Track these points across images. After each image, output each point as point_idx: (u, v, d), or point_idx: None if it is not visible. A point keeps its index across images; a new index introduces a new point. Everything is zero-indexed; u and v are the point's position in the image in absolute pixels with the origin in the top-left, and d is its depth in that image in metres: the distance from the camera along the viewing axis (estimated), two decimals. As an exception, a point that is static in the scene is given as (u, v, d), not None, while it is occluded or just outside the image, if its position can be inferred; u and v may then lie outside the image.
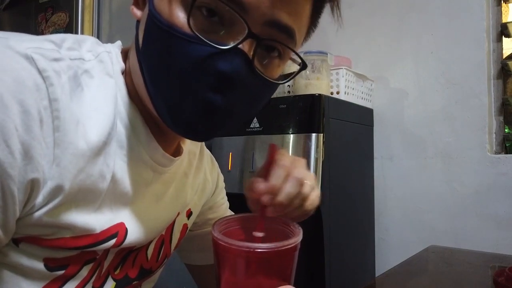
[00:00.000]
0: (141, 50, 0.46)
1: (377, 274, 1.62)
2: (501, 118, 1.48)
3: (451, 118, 1.51)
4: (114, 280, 0.53)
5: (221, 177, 0.76)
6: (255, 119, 1.40)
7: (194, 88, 0.43)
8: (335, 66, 1.46)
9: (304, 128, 1.29)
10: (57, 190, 0.41)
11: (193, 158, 0.65)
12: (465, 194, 1.47)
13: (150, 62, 0.45)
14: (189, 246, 0.74)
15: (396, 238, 1.62)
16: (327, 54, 1.41)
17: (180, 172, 0.61)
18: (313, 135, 1.27)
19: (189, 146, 0.63)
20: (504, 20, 1.51)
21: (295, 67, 0.50)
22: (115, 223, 0.48)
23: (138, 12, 0.49)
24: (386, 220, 1.64)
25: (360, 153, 1.60)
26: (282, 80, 0.49)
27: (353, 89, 1.53)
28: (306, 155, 1.26)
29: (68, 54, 0.44)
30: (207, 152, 0.72)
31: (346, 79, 1.47)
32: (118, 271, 0.54)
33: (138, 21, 0.48)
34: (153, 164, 0.52)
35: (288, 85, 1.59)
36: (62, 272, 0.46)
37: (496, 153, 1.46)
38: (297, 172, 0.50)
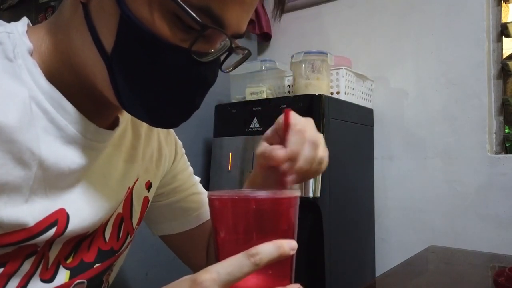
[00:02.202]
0: (115, 51, 0.44)
1: (377, 274, 1.62)
2: (501, 118, 1.48)
3: (451, 118, 1.51)
4: (67, 269, 0.51)
5: (179, 143, 0.74)
6: (255, 119, 1.40)
7: (179, 94, 0.46)
8: (335, 66, 1.46)
9: (304, 128, 1.29)
10: None
11: (140, 127, 0.63)
12: (465, 194, 1.47)
13: (130, 67, 0.44)
14: (159, 217, 0.73)
15: (396, 238, 1.62)
16: (327, 54, 1.41)
17: (125, 145, 0.59)
18: (313, 135, 1.27)
19: (130, 116, 0.59)
20: (504, 20, 1.51)
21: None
22: (53, 211, 0.46)
23: None
24: (386, 220, 1.64)
25: (360, 153, 1.60)
26: (228, 68, 0.54)
27: (353, 89, 1.53)
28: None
29: None
30: None
31: (346, 79, 1.47)
32: (70, 259, 0.52)
33: (82, 4, 0.45)
34: (88, 142, 0.50)
35: (288, 85, 1.59)
36: (0, 270, 0.44)
37: (496, 153, 1.46)
38: (311, 135, 0.50)
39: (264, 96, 1.48)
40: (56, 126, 0.46)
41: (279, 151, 0.48)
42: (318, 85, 1.39)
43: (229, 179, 1.44)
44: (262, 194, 0.41)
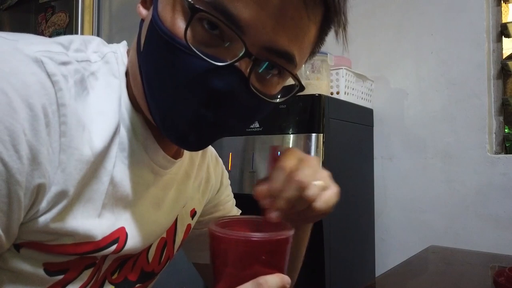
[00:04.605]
0: (142, 53, 0.45)
1: (377, 274, 1.62)
2: (501, 118, 1.48)
3: (451, 118, 1.51)
4: (112, 284, 0.53)
5: (226, 174, 0.76)
6: (255, 119, 1.40)
7: (187, 101, 0.42)
8: (335, 66, 1.46)
9: (304, 128, 1.29)
10: (61, 195, 0.41)
11: (195, 156, 0.64)
12: (465, 194, 1.47)
13: (148, 67, 0.44)
14: (197, 245, 0.73)
15: (396, 238, 1.62)
16: (327, 54, 1.41)
17: (181, 173, 0.60)
18: (313, 135, 1.27)
19: None
20: (504, 20, 1.51)
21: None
22: (116, 228, 0.48)
23: (143, 11, 0.47)
24: (386, 220, 1.64)
25: (360, 153, 1.60)
26: (278, 98, 0.48)
27: (353, 89, 1.53)
28: (306, 155, 1.26)
29: (75, 56, 0.44)
30: (210, 148, 0.71)
31: (346, 79, 1.47)
32: (116, 275, 0.53)
33: (142, 20, 0.47)
34: (154, 166, 0.52)
35: (288, 85, 1.59)
36: (61, 276, 0.45)
37: (496, 153, 1.46)
38: (300, 174, 0.47)
39: (264, 96, 1.48)
40: (131, 146, 0.48)
41: (259, 187, 0.47)
42: (318, 85, 1.39)
43: (229, 179, 1.43)
44: (258, 235, 0.44)
